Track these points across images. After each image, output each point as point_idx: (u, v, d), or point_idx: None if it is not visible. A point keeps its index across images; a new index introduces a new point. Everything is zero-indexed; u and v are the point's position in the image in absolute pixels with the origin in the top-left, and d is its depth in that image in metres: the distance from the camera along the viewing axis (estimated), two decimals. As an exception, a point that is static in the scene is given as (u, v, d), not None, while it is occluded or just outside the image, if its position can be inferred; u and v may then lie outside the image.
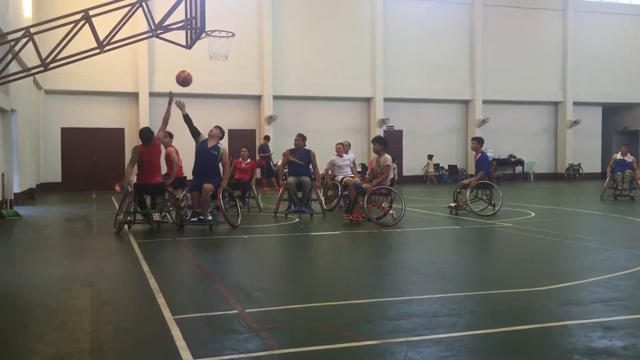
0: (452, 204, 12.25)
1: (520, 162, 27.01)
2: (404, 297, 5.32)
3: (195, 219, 10.03)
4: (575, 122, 26.94)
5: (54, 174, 21.87)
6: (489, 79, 25.95)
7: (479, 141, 12.72)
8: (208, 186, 9.99)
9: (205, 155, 10.32)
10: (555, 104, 27.50)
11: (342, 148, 13.55)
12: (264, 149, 21.22)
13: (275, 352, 3.87)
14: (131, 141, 22.53)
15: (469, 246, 9.06)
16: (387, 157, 11.31)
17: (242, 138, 21.93)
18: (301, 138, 12.38)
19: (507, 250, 8.49)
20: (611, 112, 28.91)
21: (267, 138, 21.79)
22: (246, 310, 4.83)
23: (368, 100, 24.87)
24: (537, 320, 4.61)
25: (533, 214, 12.25)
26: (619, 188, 15.45)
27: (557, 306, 5.02)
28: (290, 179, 11.97)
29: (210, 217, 10.11)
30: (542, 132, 27.62)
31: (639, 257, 7.30)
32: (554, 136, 27.71)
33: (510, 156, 26.97)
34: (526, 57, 26.46)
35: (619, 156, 16.06)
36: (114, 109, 22.45)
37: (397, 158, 24.98)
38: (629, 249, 7.99)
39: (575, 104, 27.17)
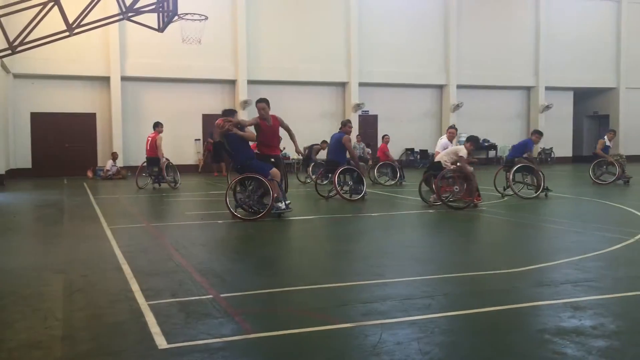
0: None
1: (494, 147, 27.29)
2: (378, 281, 5.36)
3: (283, 206, 9.35)
4: (547, 107, 27.28)
5: (24, 159, 21.47)
6: (463, 64, 26.08)
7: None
8: (275, 171, 9.46)
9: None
10: (528, 88, 27.78)
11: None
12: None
13: (251, 336, 3.87)
14: (103, 126, 22.22)
15: (442, 230, 9.14)
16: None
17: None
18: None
19: (480, 234, 8.59)
20: (582, 96, 29.33)
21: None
22: (221, 295, 4.82)
23: (343, 85, 24.84)
24: (508, 302, 4.69)
25: (506, 198, 12.40)
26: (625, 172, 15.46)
27: (529, 287, 5.11)
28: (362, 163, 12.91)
29: (289, 202, 9.58)
30: (515, 117, 27.91)
31: (608, 239, 7.45)
32: (526, 121, 28.02)
33: (484, 140, 27.22)
34: (500, 43, 26.64)
35: (607, 142, 15.99)
36: (85, 94, 22.06)
37: (372, 143, 25.06)
38: (599, 231, 8.15)
39: (547, 88, 27.49)
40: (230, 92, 23.57)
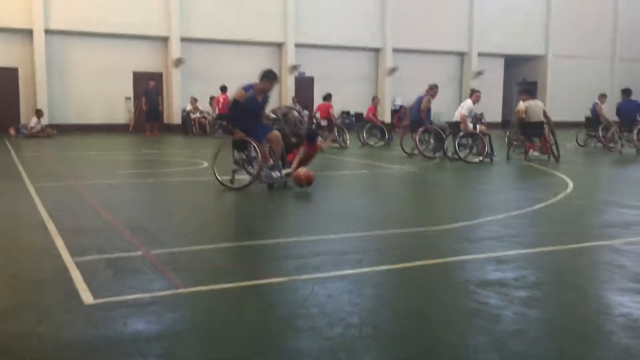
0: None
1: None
2: (312, 237, 5.39)
3: (277, 175, 8.27)
4: (480, 73, 27.87)
5: (-60, 116, 20.19)
6: (399, 28, 26.16)
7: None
8: (277, 134, 8.48)
9: (257, 106, 8.34)
10: (461, 54, 28.24)
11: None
12: (148, 91, 20.48)
13: (180, 290, 3.82)
14: (26, 81, 21.11)
15: (376, 189, 9.27)
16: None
17: (149, 80, 21.03)
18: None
19: (412, 193, 8.77)
20: (512, 63, 30.09)
21: (153, 79, 21.06)
22: (151, 252, 4.72)
23: (279, 46, 24.48)
24: (436, 256, 4.81)
25: (437, 160, 12.67)
26: None
27: (456, 243, 5.27)
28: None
29: (288, 171, 8.48)
30: (450, 82, 28.35)
31: (531, 197, 7.76)
32: (459, 86, 28.55)
33: (418, 105, 27.62)
34: (435, 7, 26.81)
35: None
36: (5, 47, 20.76)
37: (308, 105, 24.98)
38: (524, 191, 8.48)
39: (480, 55, 28.02)
40: (162, 50, 22.78)
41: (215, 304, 3.68)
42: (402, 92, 26.93)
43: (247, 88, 8.25)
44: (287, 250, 4.97)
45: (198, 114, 21.50)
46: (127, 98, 22.44)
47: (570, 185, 8.84)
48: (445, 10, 27.03)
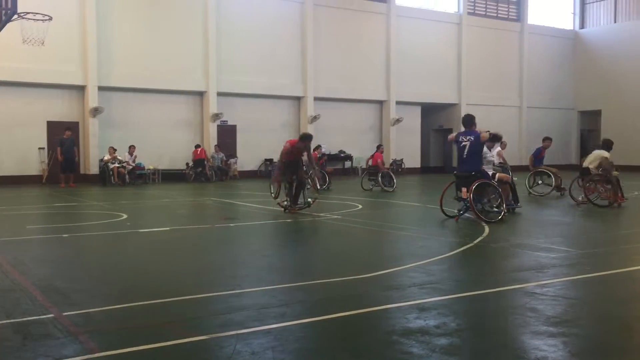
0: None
1: (350, 158, 28.27)
2: (235, 291, 5.29)
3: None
4: (398, 120, 28.81)
5: None
6: (319, 77, 26.78)
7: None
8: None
9: None
10: (381, 102, 29.17)
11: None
12: (64, 142, 19.74)
13: (96, 355, 3.63)
14: None
15: (299, 239, 9.26)
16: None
17: (64, 130, 20.33)
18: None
19: (336, 242, 8.82)
20: (429, 111, 31.36)
21: (69, 129, 20.30)
22: (63, 314, 4.49)
23: (201, 94, 24.44)
24: (360, 306, 4.83)
25: (360, 207, 12.86)
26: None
27: (379, 291, 5.32)
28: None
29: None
30: (369, 129, 29.14)
31: (450, 244, 7.98)
32: (379, 133, 29.36)
33: (340, 152, 28.11)
34: (354, 57, 27.71)
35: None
36: None
37: (232, 154, 24.91)
38: (443, 237, 8.71)
39: (398, 103, 29.04)
40: (78, 99, 22.19)
41: (132, 368, 3.52)
42: (325, 139, 27.39)
43: None
44: (210, 306, 4.85)
45: (117, 164, 20.92)
46: (41, 148, 21.60)
47: (487, 229, 9.18)
48: (364, 60, 27.97)
